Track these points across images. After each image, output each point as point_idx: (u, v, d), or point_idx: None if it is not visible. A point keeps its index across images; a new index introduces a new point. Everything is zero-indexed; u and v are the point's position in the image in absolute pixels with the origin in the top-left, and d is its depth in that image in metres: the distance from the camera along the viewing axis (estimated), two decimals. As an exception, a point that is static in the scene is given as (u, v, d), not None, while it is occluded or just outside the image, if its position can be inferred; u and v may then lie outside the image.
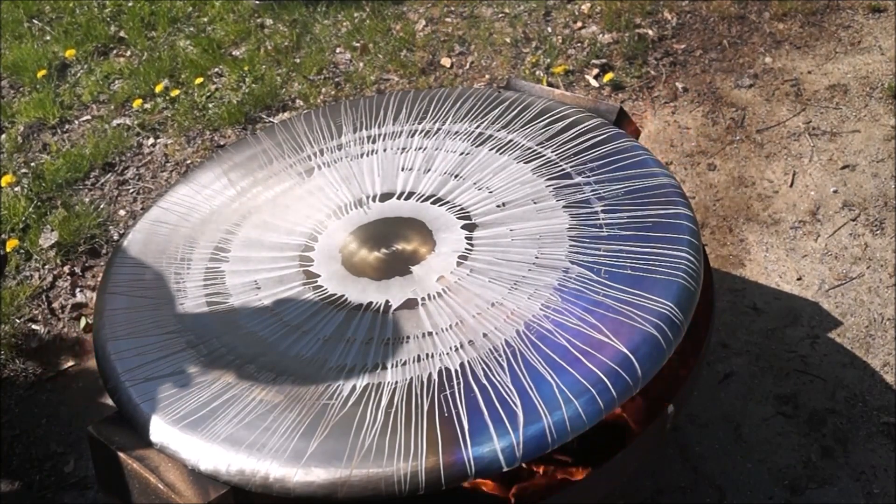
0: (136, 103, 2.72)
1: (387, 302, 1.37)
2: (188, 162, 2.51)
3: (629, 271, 1.32)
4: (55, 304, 2.13)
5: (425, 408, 1.16)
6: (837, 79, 2.54)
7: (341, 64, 2.84)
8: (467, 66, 2.76)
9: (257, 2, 3.13)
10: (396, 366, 1.24)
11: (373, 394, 1.20)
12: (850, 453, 1.66)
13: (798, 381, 1.79)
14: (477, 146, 1.64)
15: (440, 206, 1.53)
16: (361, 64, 2.82)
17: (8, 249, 2.24)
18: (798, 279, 2.00)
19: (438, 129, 1.70)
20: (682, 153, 2.37)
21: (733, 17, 2.82)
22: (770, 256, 2.06)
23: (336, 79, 2.77)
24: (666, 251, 1.33)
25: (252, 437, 1.16)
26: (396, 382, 1.21)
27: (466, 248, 1.44)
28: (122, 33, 3.09)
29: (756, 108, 2.48)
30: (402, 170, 1.63)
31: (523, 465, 1.28)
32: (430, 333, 1.29)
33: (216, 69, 2.85)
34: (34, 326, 2.08)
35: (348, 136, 1.74)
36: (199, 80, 2.76)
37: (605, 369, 1.17)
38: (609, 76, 2.61)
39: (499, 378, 1.18)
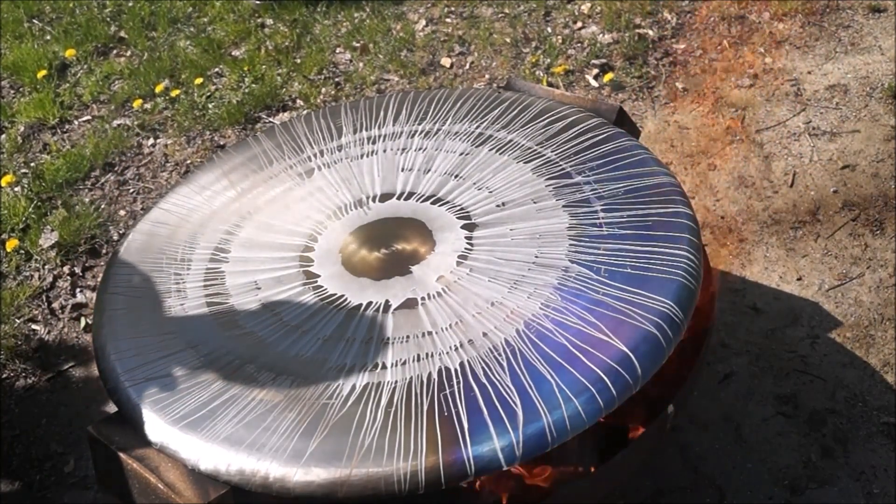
0: (137, 103, 2.72)
1: (386, 301, 1.37)
2: (188, 162, 2.51)
3: (629, 270, 1.32)
4: (55, 305, 2.13)
5: (425, 407, 1.16)
6: (837, 79, 2.54)
7: (341, 64, 2.85)
8: (467, 66, 2.76)
9: (257, 2, 3.13)
10: (396, 365, 1.24)
11: (372, 393, 1.20)
12: (850, 453, 1.66)
13: (798, 381, 1.79)
14: (477, 146, 1.64)
15: (440, 206, 1.53)
16: (361, 64, 2.82)
17: (8, 249, 2.24)
18: (798, 279, 2.00)
19: (438, 130, 1.70)
20: (682, 153, 2.37)
21: (733, 17, 2.82)
22: (770, 256, 2.06)
23: (336, 79, 2.77)
24: (666, 250, 1.33)
25: (252, 437, 1.16)
26: (396, 382, 1.21)
27: (466, 248, 1.44)
28: (122, 33, 3.09)
29: (756, 108, 2.48)
30: (402, 170, 1.63)
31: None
32: (429, 333, 1.29)
33: (216, 69, 2.85)
34: (34, 327, 2.09)
35: (348, 137, 1.74)
36: (199, 81, 2.76)
37: (605, 368, 1.17)
38: (609, 76, 2.61)
39: (498, 377, 1.18)
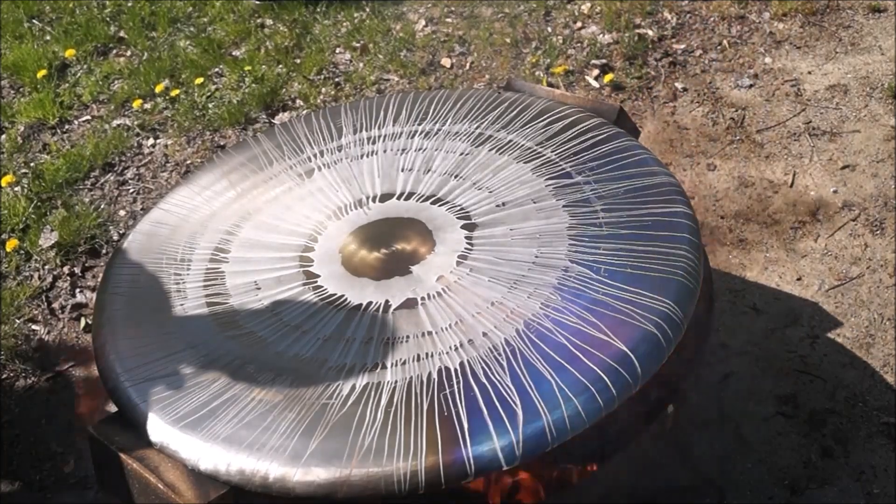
0: (136, 103, 2.72)
1: (386, 301, 1.37)
2: (188, 162, 2.51)
3: (629, 270, 1.32)
4: (55, 305, 2.13)
5: (425, 407, 1.16)
6: (837, 79, 2.54)
7: (341, 64, 2.85)
8: (467, 67, 2.76)
9: (257, 2, 3.13)
10: (396, 365, 1.24)
11: (372, 393, 1.20)
12: (850, 453, 1.66)
13: (798, 381, 1.79)
14: (477, 146, 1.64)
15: (440, 206, 1.53)
16: (361, 64, 2.82)
17: (8, 249, 2.24)
18: (798, 279, 2.00)
19: (438, 130, 1.70)
20: (682, 153, 2.37)
21: (733, 17, 2.82)
22: (770, 256, 2.06)
23: (336, 79, 2.77)
24: (665, 249, 1.33)
25: (252, 437, 1.16)
26: (396, 382, 1.21)
27: (466, 248, 1.44)
28: (122, 33, 3.09)
29: (756, 108, 2.48)
30: (402, 170, 1.63)
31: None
32: (429, 333, 1.29)
33: (216, 69, 2.85)
34: (34, 327, 2.08)
35: (348, 137, 1.74)
36: (199, 81, 2.77)
37: (605, 367, 1.17)
38: (609, 76, 2.61)
39: (498, 377, 1.18)
